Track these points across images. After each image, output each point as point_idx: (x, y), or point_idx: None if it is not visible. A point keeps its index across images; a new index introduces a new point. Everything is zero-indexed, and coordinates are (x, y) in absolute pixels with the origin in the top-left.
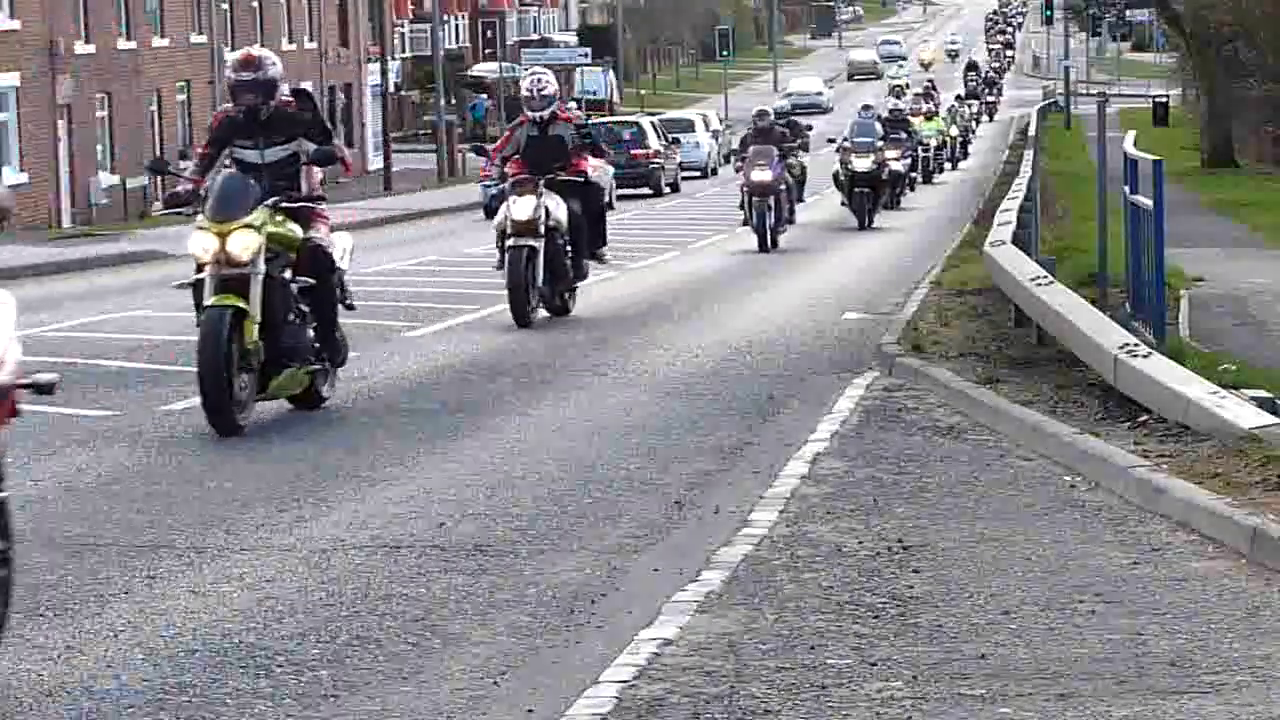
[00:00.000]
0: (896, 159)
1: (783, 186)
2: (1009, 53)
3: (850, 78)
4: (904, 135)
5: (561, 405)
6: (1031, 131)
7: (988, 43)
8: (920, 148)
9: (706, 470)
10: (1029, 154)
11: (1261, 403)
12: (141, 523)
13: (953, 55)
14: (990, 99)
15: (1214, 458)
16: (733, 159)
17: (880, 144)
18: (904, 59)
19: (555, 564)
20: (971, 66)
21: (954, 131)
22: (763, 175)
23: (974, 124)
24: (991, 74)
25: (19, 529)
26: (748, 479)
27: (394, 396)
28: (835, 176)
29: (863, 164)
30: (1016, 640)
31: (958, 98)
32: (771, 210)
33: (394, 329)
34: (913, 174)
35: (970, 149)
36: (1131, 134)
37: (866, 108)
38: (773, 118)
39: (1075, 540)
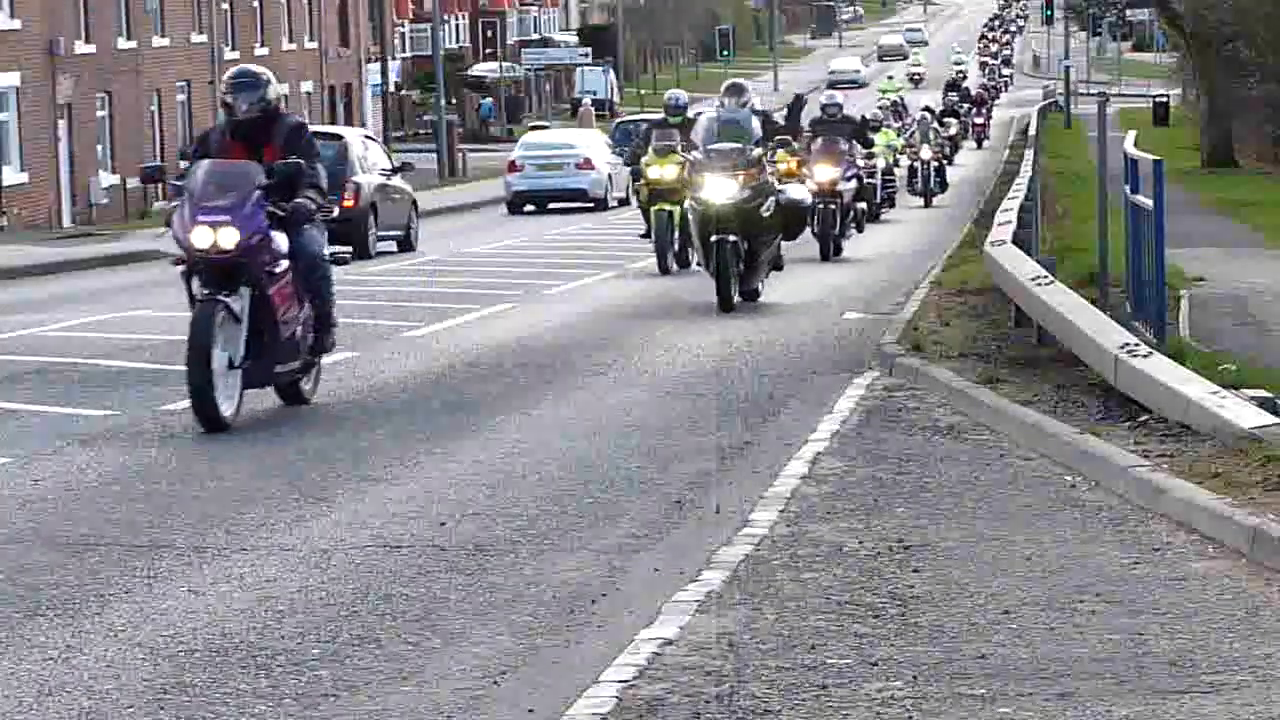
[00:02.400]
0: (834, 182)
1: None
2: (1006, 71)
3: (880, 59)
4: (845, 144)
5: (561, 405)
6: (1032, 131)
7: (980, 54)
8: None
9: (706, 470)
10: (1029, 154)
11: (1261, 403)
12: (141, 523)
13: (955, 93)
14: (978, 121)
15: (1214, 458)
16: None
17: (756, 151)
18: (925, 44)
19: (555, 564)
20: (952, 86)
21: (925, 154)
22: (206, 238)
23: (949, 148)
24: (981, 92)
25: (19, 529)
26: (748, 479)
27: (394, 396)
28: (681, 217)
29: (719, 191)
30: (1016, 640)
31: (927, 109)
32: (226, 304)
33: (394, 329)
34: (860, 204)
35: (949, 178)
36: (1132, 134)
37: (734, 89)
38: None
39: (1075, 540)
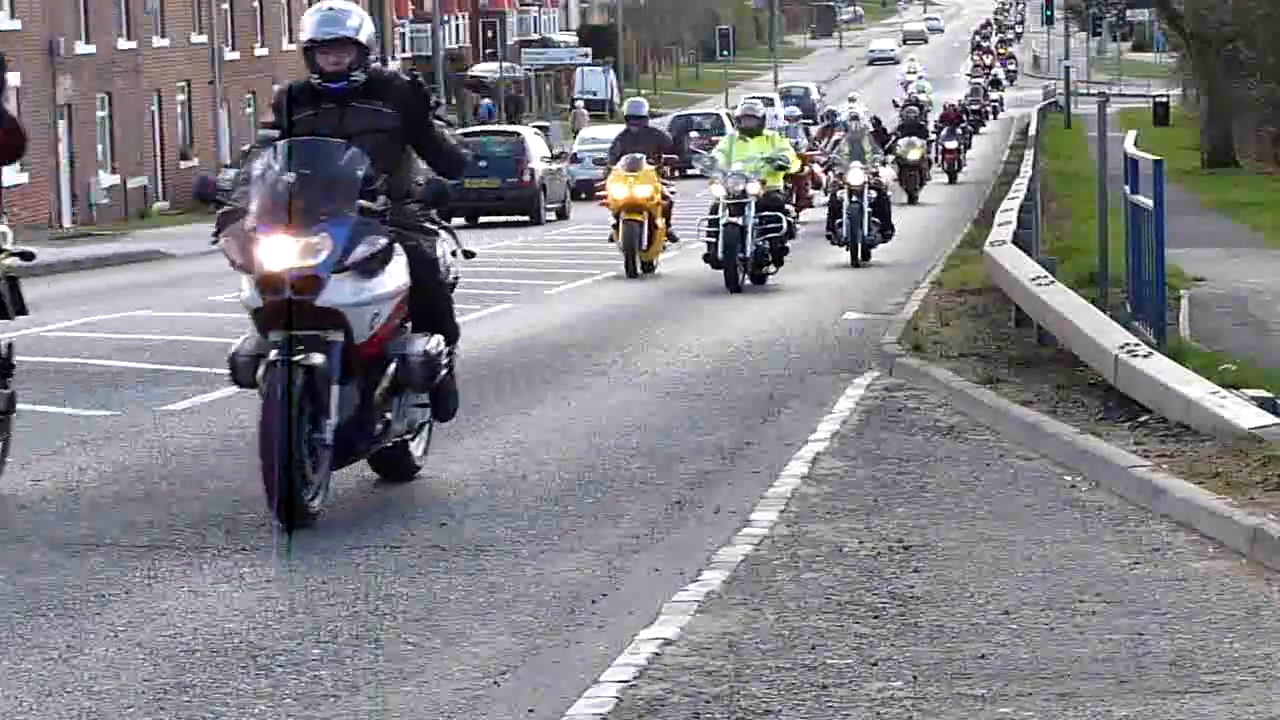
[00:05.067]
0: None
1: None
2: (995, 94)
3: (904, 42)
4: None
5: (561, 405)
6: (1032, 131)
7: (971, 76)
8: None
9: (706, 470)
10: (1029, 154)
11: (1262, 403)
12: (141, 523)
13: (916, 107)
14: (949, 145)
15: (1214, 458)
16: None
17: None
18: (941, 31)
19: (555, 564)
20: (913, 103)
21: (855, 178)
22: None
23: (914, 179)
24: (954, 107)
25: (19, 529)
26: (748, 479)
27: None
28: None
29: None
30: (1017, 640)
31: (851, 109)
32: None
33: None
34: None
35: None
36: (1132, 134)
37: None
38: None
39: (1075, 540)
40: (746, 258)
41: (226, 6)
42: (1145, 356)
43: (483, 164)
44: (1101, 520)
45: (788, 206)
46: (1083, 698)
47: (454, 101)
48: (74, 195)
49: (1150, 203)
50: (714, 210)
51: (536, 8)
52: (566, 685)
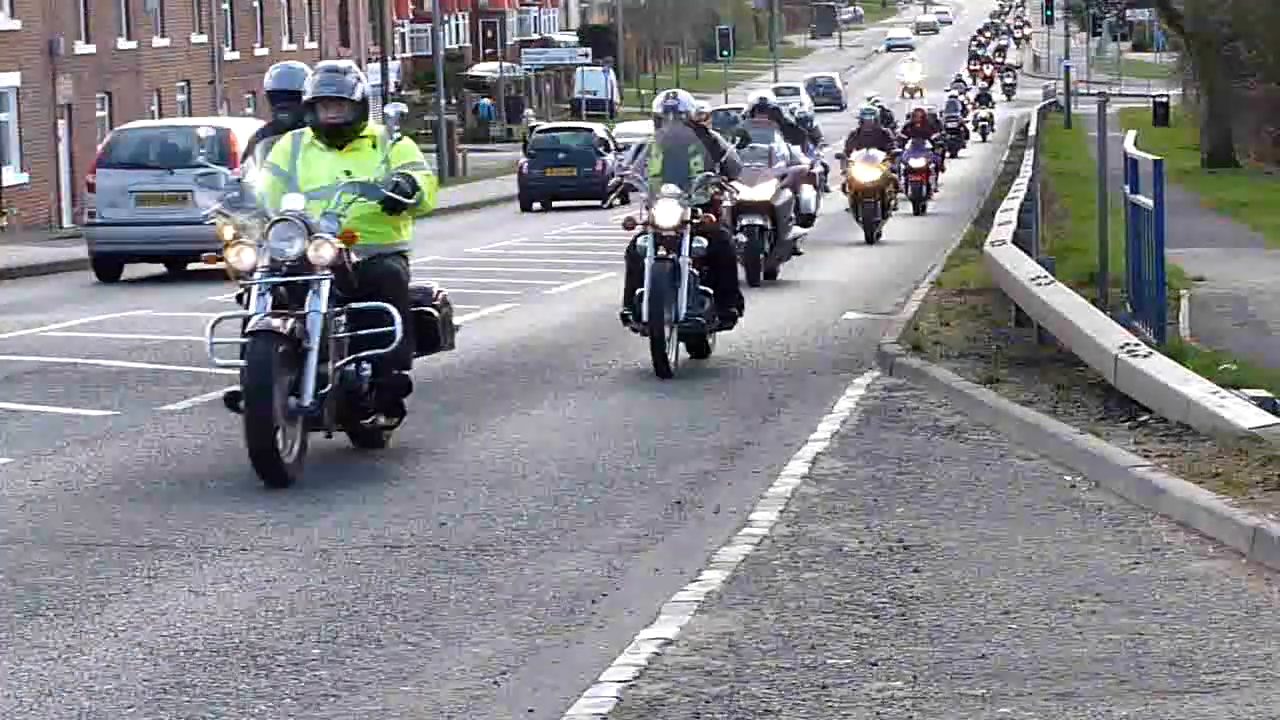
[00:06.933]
0: None
1: None
2: (984, 111)
3: (916, 33)
4: None
5: (561, 405)
6: (1032, 131)
7: (948, 89)
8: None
9: (706, 470)
10: (1029, 154)
11: (1261, 403)
12: (141, 523)
13: (878, 109)
14: (914, 164)
15: (1214, 458)
16: None
17: None
18: (950, 23)
19: (555, 564)
20: (876, 106)
21: (666, 215)
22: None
23: (886, 210)
24: (922, 112)
25: (19, 529)
26: (748, 479)
27: None
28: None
29: None
30: (1016, 640)
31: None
32: None
33: None
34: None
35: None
36: (1132, 134)
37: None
38: None
39: (1075, 540)
40: (306, 406)
41: (226, 6)
42: (1145, 356)
43: (561, 155)
44: (1101, 520)
45: (430, 285)
46: (1083, 698)
47: (454, 101)
48: (74, 195)
49: (1150, 203)
50: (243, 300)
51: (536, 8)
52: (566, 685)
